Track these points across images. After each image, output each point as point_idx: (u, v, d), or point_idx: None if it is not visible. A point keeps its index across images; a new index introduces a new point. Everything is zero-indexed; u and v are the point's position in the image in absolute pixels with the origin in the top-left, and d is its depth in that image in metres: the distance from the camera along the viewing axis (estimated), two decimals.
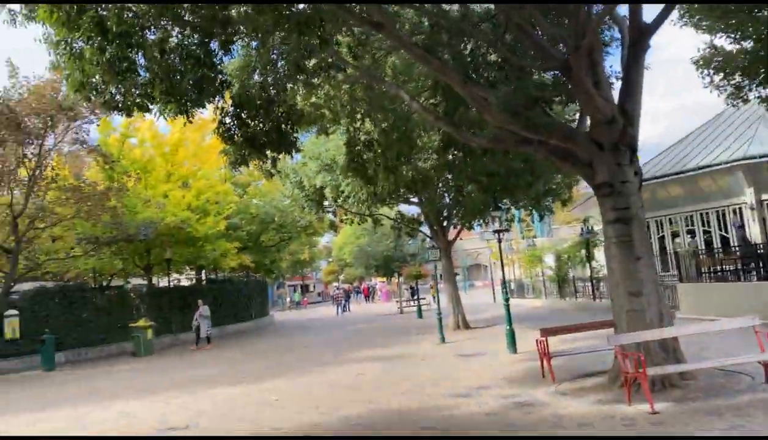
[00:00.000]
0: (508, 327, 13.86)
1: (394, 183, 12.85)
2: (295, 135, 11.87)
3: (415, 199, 20.46)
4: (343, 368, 13.80)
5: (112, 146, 24.64)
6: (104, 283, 27.92)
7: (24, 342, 19.02)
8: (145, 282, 27.08)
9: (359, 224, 25.41)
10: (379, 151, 12.02)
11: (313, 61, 10.85)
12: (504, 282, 15.54)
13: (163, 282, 29.97)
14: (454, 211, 20.25)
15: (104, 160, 22.19)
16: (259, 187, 33.30)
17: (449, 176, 16.67)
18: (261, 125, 11.07)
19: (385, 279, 51.90)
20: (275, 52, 10.15)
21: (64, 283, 24.18)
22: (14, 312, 19.00)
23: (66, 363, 19.55)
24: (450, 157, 14.24)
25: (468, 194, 17.27)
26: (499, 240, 15.23)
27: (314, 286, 77.14)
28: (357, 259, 42.01)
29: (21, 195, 20.80)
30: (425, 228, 22.89)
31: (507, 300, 14.57)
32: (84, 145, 21.25)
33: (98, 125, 22.45)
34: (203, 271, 33.11)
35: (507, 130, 9.88)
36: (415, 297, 34.40)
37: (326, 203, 21.16)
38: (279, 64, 10.70)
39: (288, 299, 59.50)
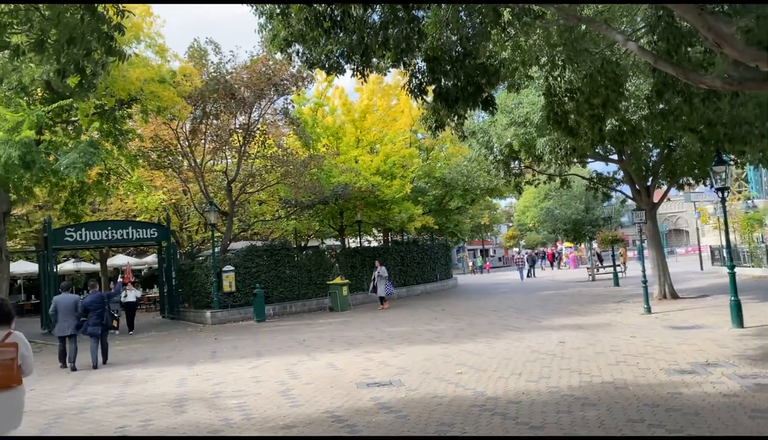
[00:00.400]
0: (733, 298, 12.28)
1: (599, 134, 11.67)
2: (488, 90, 11.30)
3: (614, 156, 18.71)
4: (540, 334, 13.16)
5: (307, 115, 26.20)
6: (303, 243, 30.18)
7: (239, 295, 21.25)
8: (339, 242, 28.73)
9: (545, 184, 24.18)
10: (582, 99, 10.96)
11: (507, 9, 10.13)
12: (728, 248, 13.64)
13: (354, 243, 31.52)
14: (661, 168, 18.11)
15: (299, 131, 23.71)
16: (442, 152, 33.21)
17: (658, 128, 14.78)
18: (454, 80, 10.68)
19: (572, 244, 49.29)
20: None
21: (270, 243, 26.52)
22: (230, 268, 21.23)
23: (274, 315, 21.45)
24: (662, 104, 12.54)
25: (682, 147, 15.19)
26: (723, 200, 13.25)
27: (494, 251, 76.49)
28: (544, 223, 40.16)
29: (232, 163, 23.06)
30: (624, 189, 20.95)
31: (732, 267, 12.82)
32: (287, 116, 22.82)
33: (296, 95, 23.87)
34: (390, 233, 34.17)
35: (748, 68, 8.27)
36: (607, 264, 32.11)
37: (513, 165, 20.28)
38: (472, 15, 10.15)
39: (470, 263, 59.64)
